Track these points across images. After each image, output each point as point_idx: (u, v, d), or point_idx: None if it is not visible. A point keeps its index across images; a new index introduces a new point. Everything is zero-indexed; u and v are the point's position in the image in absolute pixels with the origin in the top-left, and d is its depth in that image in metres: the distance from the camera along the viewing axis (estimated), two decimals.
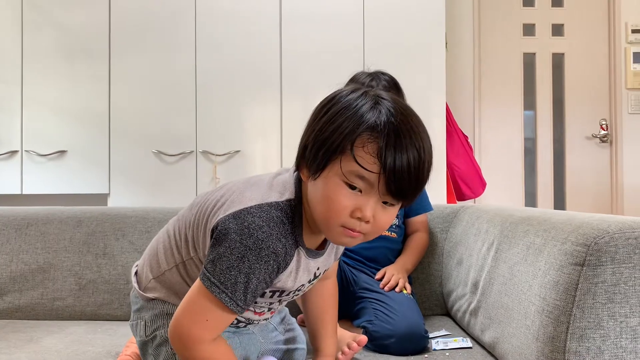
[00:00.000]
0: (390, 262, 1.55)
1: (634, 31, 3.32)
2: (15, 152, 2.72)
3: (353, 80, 1.58)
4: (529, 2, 3.44)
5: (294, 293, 1.00)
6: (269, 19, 2.75)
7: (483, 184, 2.89)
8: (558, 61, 3.44)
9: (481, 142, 3.35)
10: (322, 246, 1.00)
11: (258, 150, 2.77)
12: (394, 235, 1.57)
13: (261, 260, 0.86)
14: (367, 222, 0.85)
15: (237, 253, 0.85)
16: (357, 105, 0.85)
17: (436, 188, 2.61)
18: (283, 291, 0.97)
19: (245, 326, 1.07)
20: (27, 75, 2.73)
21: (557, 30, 3.44)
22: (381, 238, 1.54)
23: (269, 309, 1.03)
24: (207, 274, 0.87)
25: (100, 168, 2.73)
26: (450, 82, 2.94)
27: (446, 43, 2.84)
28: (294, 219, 0.90)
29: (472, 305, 1.35)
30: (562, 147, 3.43)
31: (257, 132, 2.77)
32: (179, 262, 1.02)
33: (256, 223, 0.86)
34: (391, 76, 1.60)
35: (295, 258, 0.92)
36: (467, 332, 1.41)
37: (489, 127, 3.37)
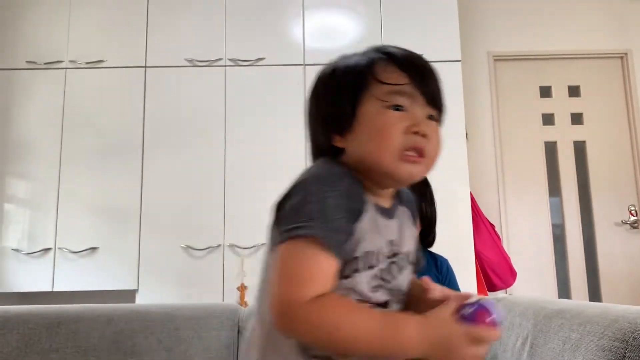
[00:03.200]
0: None
1: None
2: (48, 249, 2.79)
3: None
4: (546, 93, 3.53)
5: (394, 279, 0.86)
6: (294, 114, 2.86)
7: (514, 274, 2.83)
8: (580, 148, 3.47)
9: (508, 230, 3.32)
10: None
11: None
12: None
13: (328, 183, 0.79)
14: (424, 136, 0.82)
15: (301, 194, 0.79)
16: (357, 57, 0.87)
17: (466, 278, 2.57)
18: (383, 271, 0.84)
19: None
20: (64, 174, 2.85)
21: (576, 119, 3.50)
22: None
23: None
24: (280, 232, 0.78)
25: (129, 264, 2.76)
26: (473, 172, 2.97)
27: (467, 134, 2.90)
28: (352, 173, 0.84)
29: None
30: (592, 234, 3.38)
31: None
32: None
33: (315, 173, 0.83)
34: None
35: (369, 208, 0.83)
36: None
37: (515, 216, 3.36)
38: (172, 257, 2.76)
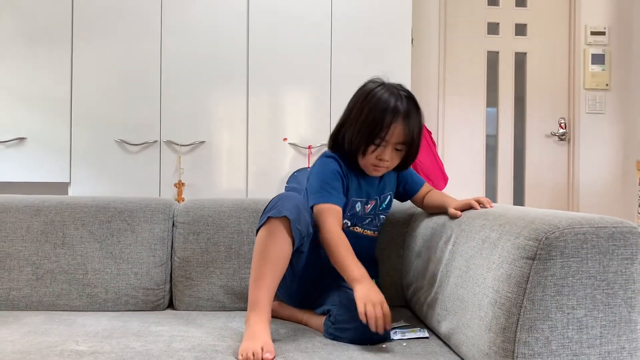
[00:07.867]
0: (369, 256, 1.57)
1: (592, 33, 3.42)
2: None
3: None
4: (494, 1, 3.50)
5: None
6: (237, 11, 2.73)
7: (445, 179, 2.94)
8: (520, 60, 3.52)
9: (444, 137, 3.41)
10: None
11: (223, 141, 2.75)
12: (375, 234, 1.61)
13: None
14: None
15: None
16: None
17: None
18: None
19: None
20: None
21: (520, 29, 3.52)
22: (361, 237, 1.56)
23: None
24: None
25: (61, 156, 2.67)
26: (415, 77, 2.98)
27: (412, 39, 2.87)
28: None
29: (430, 297, 1.38)
30: (522, 144, 3.52)
31: (223, 123, 2.75)
32: None
33: None
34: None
35: None
36: (424, 323, 1.45)
37: (453, 123, 3.43)
38: (106, 151, 2.68)
